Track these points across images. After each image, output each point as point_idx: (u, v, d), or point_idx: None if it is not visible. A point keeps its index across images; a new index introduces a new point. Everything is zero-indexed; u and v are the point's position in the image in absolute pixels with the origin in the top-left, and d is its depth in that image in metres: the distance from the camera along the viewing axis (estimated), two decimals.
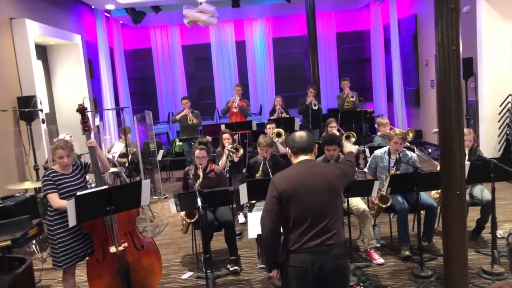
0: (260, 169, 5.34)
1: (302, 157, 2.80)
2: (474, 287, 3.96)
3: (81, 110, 3.99)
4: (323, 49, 12.46)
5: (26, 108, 6.19)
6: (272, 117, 8.22)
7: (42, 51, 8.45)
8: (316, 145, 2.92)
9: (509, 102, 7.43)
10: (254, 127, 7.67)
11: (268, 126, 6.89)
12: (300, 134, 2.88)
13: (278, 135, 6.57)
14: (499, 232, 4.82)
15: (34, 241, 5.25)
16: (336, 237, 2.68)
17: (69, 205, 3.38)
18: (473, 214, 4.99)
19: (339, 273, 2.70)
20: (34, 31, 6.96)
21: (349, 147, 3.40)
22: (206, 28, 11.83)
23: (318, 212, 2.65)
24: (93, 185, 4.68)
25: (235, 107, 8.39)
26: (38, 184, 5.30)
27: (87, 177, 4.96)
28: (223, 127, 7.17)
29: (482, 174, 4.22)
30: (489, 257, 4.31)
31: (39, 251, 5.32)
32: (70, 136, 6.07)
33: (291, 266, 2.67)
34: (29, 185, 5.68)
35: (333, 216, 2.69)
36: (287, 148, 2.90)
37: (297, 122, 7.92)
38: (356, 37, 12.95)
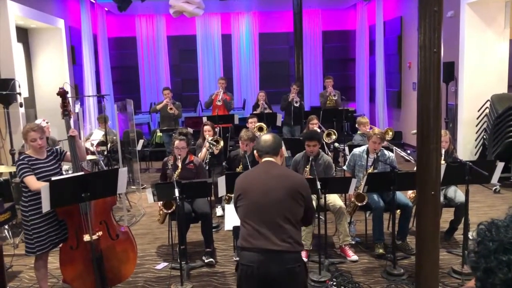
0: (241, 163, 5.35)
1: (266, 159, 2.84)
2: (444, 286, 4.05)
3: (62, 93, 3.93)
4: (308, 47, 12.49)
5: (3, 91, 6.06)
6: (255, 112, 8.22)
7: (24, 34, 8.27)
8: (283, 148, 2.95)
9: (487, 108, 7.56)
10: (237, 121, 7.66)
11: (250, 120, 6.90)
12: (265, 138, 2.90)
13: (260, 129, 6.57)
14: (471, 234, 4.91)
15: (6, 226, 5.16)
16: (288, 245, 2.59)
17: (44, 189, 3.33)
18: (447, 215, 5.08)
19: (288, 277, 2.60)
20: (15, 13, 6.81)
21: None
22: (192, 19, 11.73)
23: (267, 211, 2.63)
24: (69, 172, 4.61)
25: (219, 101, 8.35)
26: (13, 169, 5.21)
27: (65, 166, 4.86)
28: (205, 119, 7.13)
29: (457, 176, 4.28)
30: (460, 257, 4.42)
31: (12, 237, 5.24)
32: (47, 122, 5.99)
33: (241, 264, 2.68)
34: (4, 169, 5.59)
35: (285, 219, 2.62)
36: (255, 151, 2.97)
37: (279, 117, 7.94)
38: (341, 37, 13.00)
